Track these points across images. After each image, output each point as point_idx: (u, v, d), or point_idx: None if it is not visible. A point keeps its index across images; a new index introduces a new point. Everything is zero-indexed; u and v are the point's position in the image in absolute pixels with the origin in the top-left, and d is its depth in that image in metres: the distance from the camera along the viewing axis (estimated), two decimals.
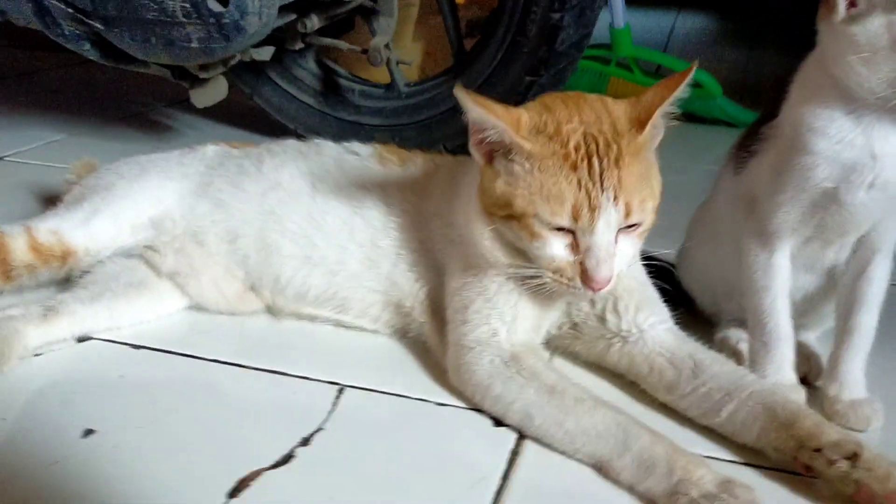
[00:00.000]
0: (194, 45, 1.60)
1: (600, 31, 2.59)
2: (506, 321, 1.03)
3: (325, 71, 2.06)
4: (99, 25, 1.65)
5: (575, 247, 0.93)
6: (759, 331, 1.05)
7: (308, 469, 0.89)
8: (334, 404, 1.01)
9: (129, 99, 2.50)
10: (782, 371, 1.04)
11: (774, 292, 1.03)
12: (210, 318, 1.20)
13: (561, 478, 0.90)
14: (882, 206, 0.96)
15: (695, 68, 0.94)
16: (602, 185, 0.89)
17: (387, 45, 1.79)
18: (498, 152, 0.94)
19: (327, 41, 1.86)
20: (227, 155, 1.30)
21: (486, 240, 1.00)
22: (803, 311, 1.12)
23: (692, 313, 1.21)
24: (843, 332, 1.03)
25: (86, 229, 1.17)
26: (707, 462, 0.87)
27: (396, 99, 1.96)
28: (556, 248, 0.93)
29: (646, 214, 0.93)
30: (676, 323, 1.08)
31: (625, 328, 1.05)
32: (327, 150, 1.26)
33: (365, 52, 1.81)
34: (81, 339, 1.12)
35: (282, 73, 2.04)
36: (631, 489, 0.87)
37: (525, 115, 0.94)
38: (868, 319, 1.02)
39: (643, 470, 0.86)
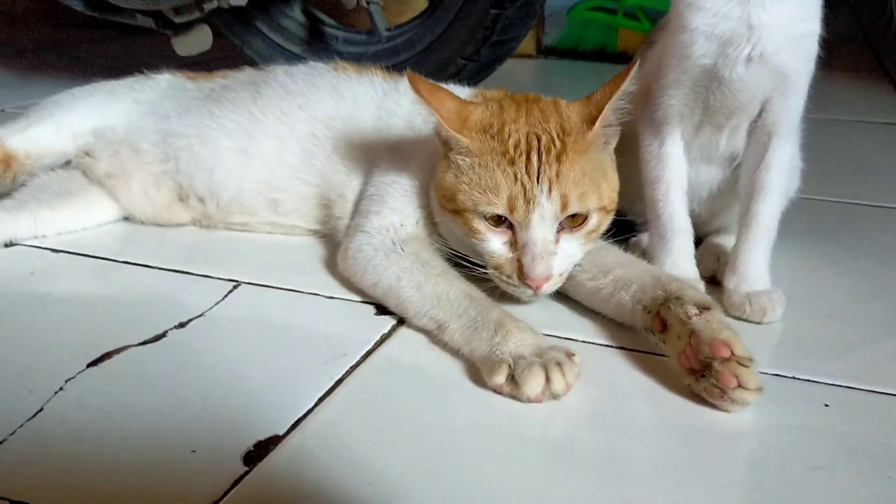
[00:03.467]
0: None
1: None
2: (416, 219, 1.06)
3: (310, 20, 2.08)
4: None
5: (514, 244, 0.94)
6: (656, 223, 1.02)
7: (176, 348, 0.91)
8: (225, 297, 1.03)
9: (141, 63, 2.59)
10: (679, 263, 1.01)
11: (667, 182, 1.00)
12: (135, 228, 1.25)
13: (416, 357, 0.90)
14: (765, 81, 0.92)
15: (637, 64, 0.92)
16: (538, 178, 0.90)
17: None
18: (448, 144, 0.96)
19: None
20: (182, 87, 1.34)
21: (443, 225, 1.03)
22: (714, 211, 1.09)
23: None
24: (743, 224, 0.99)
25: (25, 134, 1.24)
26: (538, 333, 0.87)
27: (377, 43, 1.97)
28: (495, 244, 0.94)
29: (586, 208, 0.93)
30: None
31: None
32: (280, 67, 1.30)
33: None
34: (7, 245, 1.17)
35: (269, 23, 2.08)
36: (458, 352, 0.88)
37: (477, 112, 0.96)
38: (767, 208, 0.97)
39: (471, 331, 0.87)
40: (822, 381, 0.85)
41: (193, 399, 0.81)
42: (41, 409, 0.79)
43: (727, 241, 1.10)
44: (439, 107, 0.95)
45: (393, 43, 1.93)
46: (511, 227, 0.94)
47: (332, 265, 1.10)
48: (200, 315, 0.98)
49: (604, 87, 0.95)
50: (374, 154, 1.14)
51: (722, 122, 0.97)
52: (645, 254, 1.08)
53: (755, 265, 0.98)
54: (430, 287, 0.94)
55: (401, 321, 0.97)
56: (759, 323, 0.96)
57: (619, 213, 1.13)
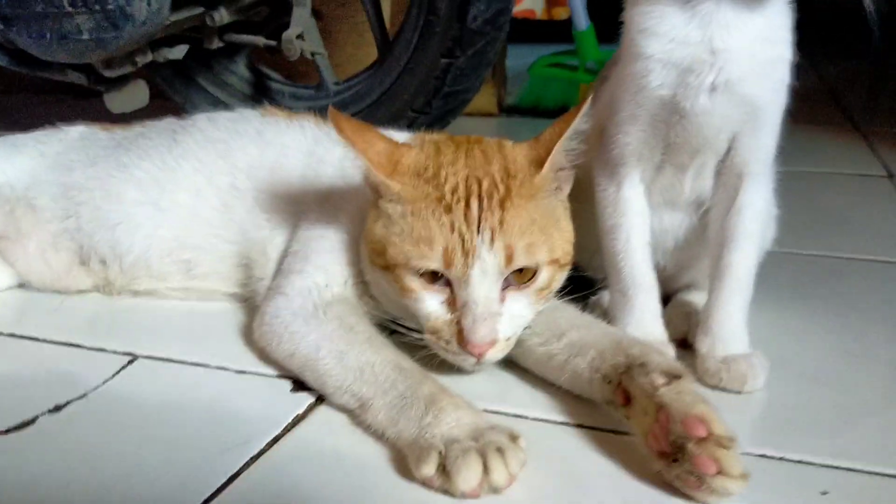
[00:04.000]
0: (85, 36, 1.53)
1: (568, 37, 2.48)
2: (344, 278, 0.92)
3: (256, 75, 1.98)
4: None
5: (452, 304, 0.81)
6: (616, 278, 0.89)
7: (45, 438, 0.76)
8: (116, 374, 0.88)
9: None
10: (644, 323, 0.88)
11: (627, 230, 0.87)
12: (31, 297, 1.09)
13: (335, 443, 0.76)
14: (732, 113, 0.80)
15: (589, 100, 0.80)
16: (478, 227, 0.78)
17: (300, 36, 1.70)
18: (377, 191, 0.84)
19: (244, 38, 1.78)
20: (94, 138, 1.21)
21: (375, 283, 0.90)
22: (681, 264, 0.96)
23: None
24: (715, 276, 0.86)
25: None
26: (478, 411, 0.73)
27: (325, 97, 1.86)
28: (431, 305, 0.81)
29: (535, 261, 0.80)
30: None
31: None
32: (203, 114, 1.18)
33: (279, 46, 1.72)
34: None
35: (212, 79, 1.97)
36: (382, 435, 0.74)
37: (410, 155, 0.84)
38: (741, 258, 0.85)
39: (399, 409, 0.73)
40: (817, 462, 0.71)
41: None
42: None
43: (699, 297, 0.97)
44: (366, 148, 0.82)
45: (341, 97, 1.82)
46: (449, 284, 0.80)
47: (250, 334, 0.95)
48: (82, 396, 0.83)
49: (553, 126, 0.83)
50: (302, 206, 1.01)
51: (685, 161, 0.85)
52: (606, 314, 0.95)
53: (731, 325, 0.85)
54: (353, 357, 0.80)
55: (320, 398, 0.82)
56: (738, 392, 0.83)
57: (576, 268, 1.00)
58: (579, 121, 0.80)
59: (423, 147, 0.86)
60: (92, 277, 1.09)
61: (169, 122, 1.19)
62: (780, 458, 0.72)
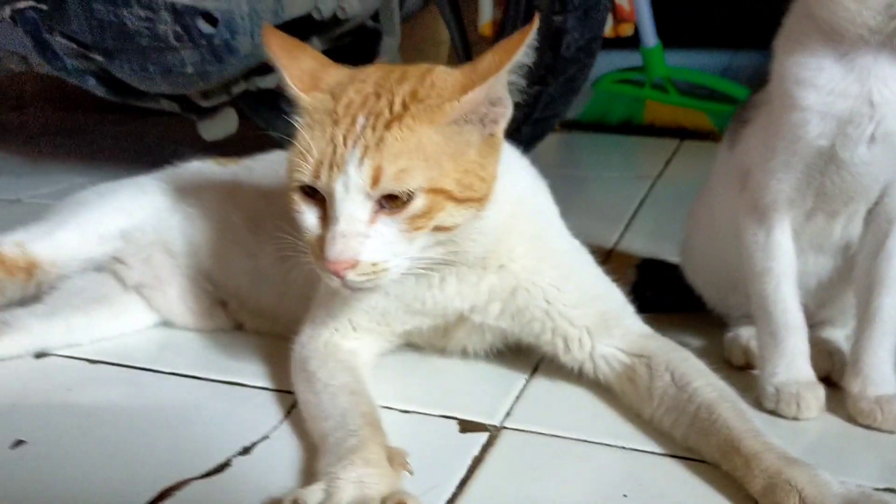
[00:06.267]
0: (189, 69, 1.58)
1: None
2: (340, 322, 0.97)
3: None
4: (100, 58, 1.65)
5: (324, 220, 0.80)
6: (765, 321, 0.92)
7: (243, 478, 0.80)
8: (288, 413, 0.92)
9: (164, 149, 2.52)
10: (795, 365, 0.91)
11: (777, 275, 0.91)
12: (176, 334, 1.14)
13: None
14: (889, 162, 0.84)
15: (534, 31, 0.77)
16: (355, 143, 0.76)
17: None
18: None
19: None
20: (209, 171, 1.26)
21: None
22: (822, 302, 0.99)
23: (704, 316, 1.10)
24: (863, 320, 0.90)
25: (49, 240, 1.11)
26: (395, 473, 0.74)
27: None
28: (309, 219, 0.81)
29: (405, 187, 0.76)
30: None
31: (579, 359, 0.94)
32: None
33: None
34: (39, 355, 1.06)
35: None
36: None
37: (337, 73, 0.84)
38: (891, 301, 0.88)
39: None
40: None
41: None
42: None
43: (837, 334, 1.01)
44: (290, 64, 0.83)
45: None
46: (324, 200, 0.80)
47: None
48: (265, 437, 0.87)
49: (493, 52, 0.79)
50: None
51: (838, 208, 0.88)
52: (745, 352, 0.99)
53: (880, 366, 0.88)
54: (314, 402, 0.86)
55: None
56: (892, 432, 0.86)
57: (689, 290, 1.04)
58: (522, 53, 0.77)
59: (358, 69, 0.86)
60: (231, 317, 1.14)
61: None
62: None
